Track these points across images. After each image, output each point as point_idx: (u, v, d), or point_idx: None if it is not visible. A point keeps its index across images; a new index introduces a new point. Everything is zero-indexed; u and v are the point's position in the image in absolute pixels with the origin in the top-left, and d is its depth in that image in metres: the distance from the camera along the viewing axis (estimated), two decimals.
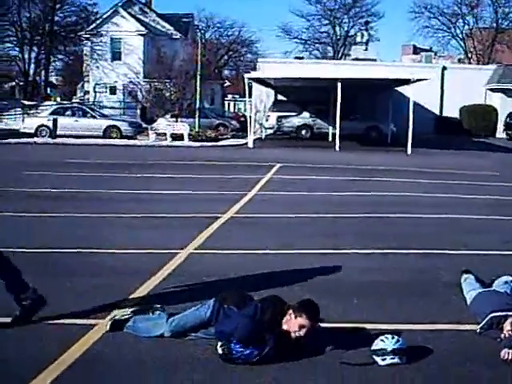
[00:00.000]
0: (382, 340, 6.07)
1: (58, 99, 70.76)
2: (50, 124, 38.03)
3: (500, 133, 52.36)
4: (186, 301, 7.32)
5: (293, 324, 6.12)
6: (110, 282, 8.48)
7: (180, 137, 38.32)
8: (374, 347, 6.08)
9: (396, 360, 5.96)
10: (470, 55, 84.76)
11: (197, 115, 42.51)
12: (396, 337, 6.10)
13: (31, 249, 10.22)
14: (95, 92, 64.29)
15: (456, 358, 6.23)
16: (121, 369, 5.85)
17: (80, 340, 6.39)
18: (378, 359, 5.98)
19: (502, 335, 6.33)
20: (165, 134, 38.62)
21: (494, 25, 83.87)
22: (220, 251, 10.39)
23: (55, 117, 38.59)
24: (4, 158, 26.74)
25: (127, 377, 5.70)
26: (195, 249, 10.50)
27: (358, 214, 14.29)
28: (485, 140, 47.08)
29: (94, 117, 40.60)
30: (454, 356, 6.27)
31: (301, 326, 6.10)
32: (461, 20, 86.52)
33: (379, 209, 14.91)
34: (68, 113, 40.87)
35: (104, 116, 42.83)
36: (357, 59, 62.95)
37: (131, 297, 7.77)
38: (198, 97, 43.61)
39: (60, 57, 77.84)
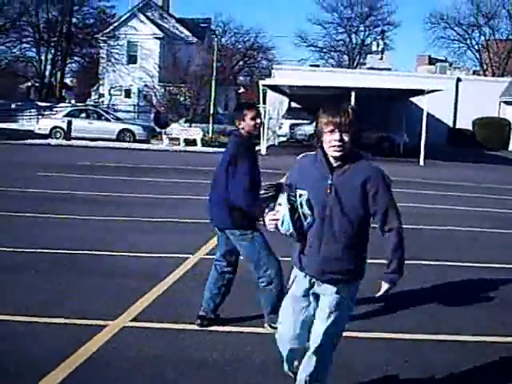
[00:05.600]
0: None
1: (73, 101, 71.06)
2: (65, 126, 38.23)
3: None
4: (196, 304, 7.42)
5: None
6: (121, 284, 8.63)
7: (193, 142, 38.46)
8: None
9: None
10: (485, 67, 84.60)
11: (211, 121, 42.63)
12: None
13: (44, 249, 10.38)
14: (110, 95, 64.49)
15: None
16: (131, 368, 5.98)
17: (91, 339, 6.53)
18: None
19: None
20: (178, 139, 38.76)
21: (511, 37, 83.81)
22: None
23: (70, 119, 38.81)
24: (18, 159, 26.98)
25: (137, 376, 5.82)
26: (206, 254, 10.62)
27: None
28: (498, 153, 47.01)
29: (108, 120, 40.75)
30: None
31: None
32: (477, 31, 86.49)
33: None
34: (82, 115, 41.08)
35: (118, 119, 42.96)
36: (372, 68, 62.95)
37: (142, 299, 7.90)
38: (212, 102, 43.74)
39: (76, 59, 78.27)
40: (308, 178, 4.71)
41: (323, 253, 4.65)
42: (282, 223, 4.60)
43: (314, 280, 4.77)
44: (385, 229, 4.70)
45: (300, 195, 4.62)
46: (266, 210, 4.75)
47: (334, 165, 4.65)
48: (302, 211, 4.59)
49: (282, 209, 4.61)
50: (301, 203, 4.59)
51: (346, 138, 4.57)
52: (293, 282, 4.94)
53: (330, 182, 4.62)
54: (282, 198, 4.63)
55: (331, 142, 4.58)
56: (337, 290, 4.72)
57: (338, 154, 4.61)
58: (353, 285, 4.82)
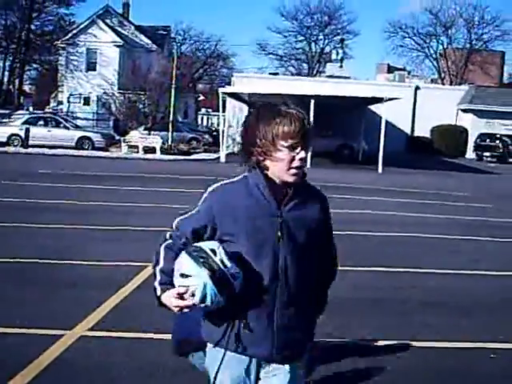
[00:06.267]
0: None
1: (31, 109, 70.49)
2: (23, 133, 37.91)
3: (470, 153, 52.93)
4: (154, 312, 7.39)
5: None
6: (79, 294, 8.57)
7: (152, 150, 38.37)
8: None
9: None
10: (443, 75, 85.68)
11: (170, 128, 42.55)
12: None
13: (1, 258, 10.28)
14: (69, 102, 64.10)
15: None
16: (88, 376, 5.96)
17: (49, 349, 6.48)
18: None
19: None
20: (137, 147, 38.64)
21: (468, 46, 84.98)
22: None
23: (28, 126, 38.49)
24: None
25: None
26: None
27: None
28: (455, 160, 47.54)
29: (67, 127, 40.49)
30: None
31: None
32: (435, 40, 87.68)
33: (348, 227, 15.06)
34: (41, 122, 40.76)
35: (77, 127, 42.74)
36: (331, 76, 63.22)
37: (100, 308, 7.86)
38: (171, 110, 43.67)
39: (35, 66, 77.65)
40: (240, 218, 3.17)
41: (279, 321, 3.21)
42: (204, 297, 3.07)
43: (262, 362, 3.32)
44: (327, 267, 3.57)
45: (212, 250, 3.07)
46: (158, 288, 3.23)
47: (277, 193, 3.22)
48: (228, 271, 3.06)
49: (192, 280, 3.05)
50: (222, 261, 3.05)
51: (308, 156, 3.16)
52: (217, 373, 3.30)
53: (279, 219, 3.17)
54: (186, 261, 3.09)
55: (294, 162, 3.14)
56: (292, 367, 3.35)
57: (298, 179, 3.20)
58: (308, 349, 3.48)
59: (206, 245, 3.12)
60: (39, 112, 57.00)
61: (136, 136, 40.80)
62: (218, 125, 55.88)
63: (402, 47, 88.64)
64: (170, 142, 41.06)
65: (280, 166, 3.14)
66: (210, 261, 3.03)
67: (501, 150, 51.22)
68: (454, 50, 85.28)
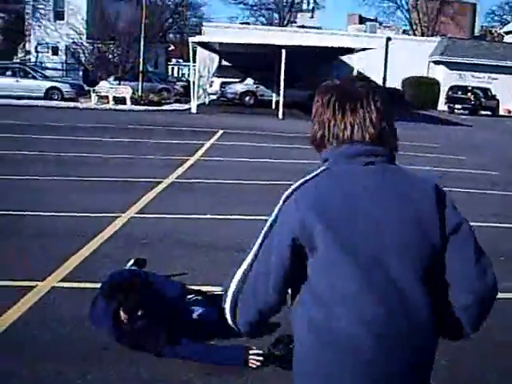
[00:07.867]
0: None
1: None
2: None
3: (442, 105, 53.02)
4: (125, 263, 7.38)
5: None
6: (50, 245, 8.51)
7: (122, 100, 37.97)
8: None
9: None
10: (414, 27, 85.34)
11: (140, 78, 42.13)
12: None
13: None
14: (37, 52, 63.07)
15: None
16: (62, 327, 5.92)
17: (21, 300, 6.44)
18: None
19: None
20: (107, 97, 38.19)
21: None
22: (160, 215, 10.45)
23: None
24: None
25: (69, 335, 5.77)
26: (136, 213, 10.53)
27: None
28: (427, 112, 47.60)
29: (36, 78, 39.88)
30: None
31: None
32: None
33: None
34: (8, 73, 40.08)
35: (45, 77, 42.11)
36: (302, 27, 62.92)
37: (71, 259, 7.80)
38: (141, 60, 43.20)
39: (1, 15, 76.24)
40: None
41: None
42: None
43: None
44: None
45: None
46: None
47: None
48: None
49: None
50: None
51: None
52: None
53: None
54: None
55: None
56: None
57: None
58: None
59: None
60: (7, 62, 56.20)
61: (106, 86, 40.29)
62: (189, 75, 55.45)
63: None
64: (140, 93, 40.64)
65: None
66: None
67: (472, 103, 51.34)
68: (426, 1, 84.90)
